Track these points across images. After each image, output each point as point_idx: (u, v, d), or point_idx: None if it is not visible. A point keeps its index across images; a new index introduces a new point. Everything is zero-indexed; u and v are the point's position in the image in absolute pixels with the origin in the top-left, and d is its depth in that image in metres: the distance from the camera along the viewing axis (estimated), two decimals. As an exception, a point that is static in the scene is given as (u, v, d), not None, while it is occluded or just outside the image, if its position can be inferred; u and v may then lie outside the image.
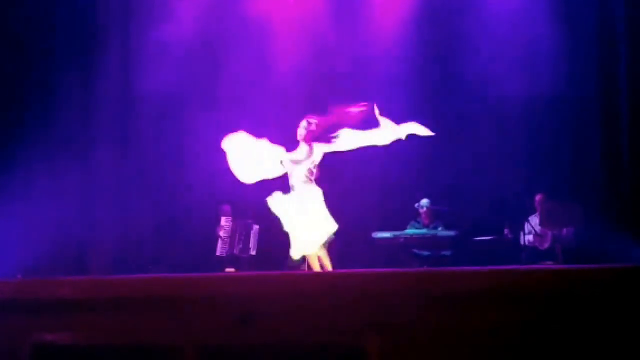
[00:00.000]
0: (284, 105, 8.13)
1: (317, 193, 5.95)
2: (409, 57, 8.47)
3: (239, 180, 6.15)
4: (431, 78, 8.48)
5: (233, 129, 6.12)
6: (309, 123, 6.01)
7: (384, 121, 6.04)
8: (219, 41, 8.68)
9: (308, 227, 5.85)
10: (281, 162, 5.98)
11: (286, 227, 5.92)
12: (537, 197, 7.74)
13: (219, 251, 8.18)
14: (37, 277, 5.82)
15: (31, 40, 8.03)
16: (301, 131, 6.02)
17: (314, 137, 5.98)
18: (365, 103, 5.99)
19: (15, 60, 7.91)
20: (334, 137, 5.91)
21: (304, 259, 6.31)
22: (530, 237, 7.76)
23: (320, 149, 5.95)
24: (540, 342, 3.12)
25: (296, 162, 5.93)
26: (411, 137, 8.42)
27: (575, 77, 8.13)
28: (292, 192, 5.94)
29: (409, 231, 7.90)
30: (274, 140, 6.10)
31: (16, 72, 7.90)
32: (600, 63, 8.05)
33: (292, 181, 5.96)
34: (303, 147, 5.98)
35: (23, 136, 7.74)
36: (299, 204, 5.88)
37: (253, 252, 8.17)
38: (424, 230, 7.92)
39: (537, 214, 7.76)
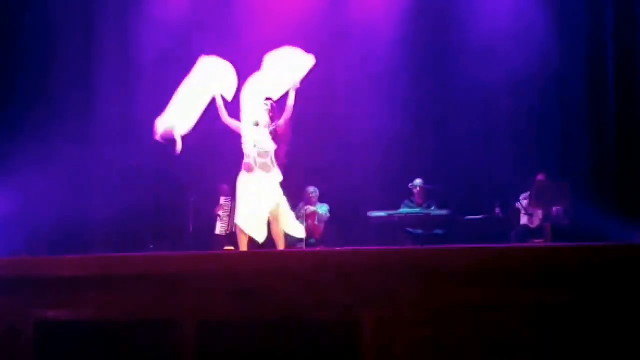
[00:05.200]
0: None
1: (275, 180, 5.68)
2: (400, 39, 8.54)
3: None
4: (423, 59, 8.54)
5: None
6: (273, 105, 5.78)
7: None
8: (215, 18, 8.69)
9: (257, 208, 5.58)
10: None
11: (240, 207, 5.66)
12: (539, 177, 7.78)
13: (218, 230, 8.25)
14: (39, 255, 5.86)
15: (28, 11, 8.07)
16: (264, 113, 5.74)
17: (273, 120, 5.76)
18: None
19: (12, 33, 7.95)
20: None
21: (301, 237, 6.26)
22: (521, 215, 7.87)
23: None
24: (532, 319, 3.16)
25: (264, 150, 5.64)
26: (405, 119, 8.54)
27: (563, 57, 8.23)
28: (253, 174, 5.64)
29: (403, 210, 7.99)
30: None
31: (13, 47, 7.94)
32: (588, 45, 8.12)
33: (252, 162, 5.64)
34: (268, 133, 5.70)
35: (20, 113, 7.78)
36: (259, 188, 5.60)
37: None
38: (417, 210, 8.01)
39: (528, 193, 7.85)
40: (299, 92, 7.46)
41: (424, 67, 8.55)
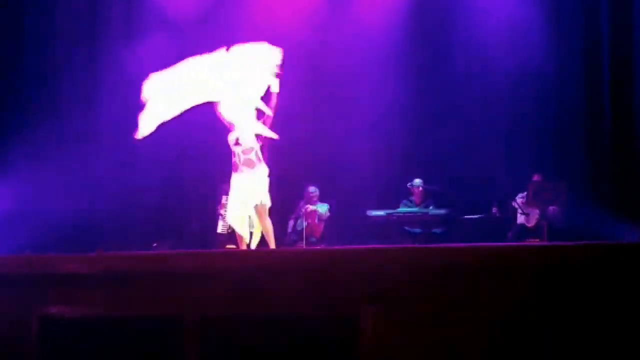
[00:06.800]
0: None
1: (262, 174, 5.73)
2: (400, 40, 8.59)
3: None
4: (421, 60, 8.60)
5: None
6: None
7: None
8: (218, 15, 8.73)
9: (242, 206, 5.68)
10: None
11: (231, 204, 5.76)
12: (535, 177, 7.83)
13: (219, 229, 8.28)
14: (44, 252, 5.90)
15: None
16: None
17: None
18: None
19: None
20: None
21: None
22: (518, 215, 7.93)
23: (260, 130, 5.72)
24: (531, 317, 3.21)
25: (247, 147, 5.69)
26: (404, 119, 8.58)
27: (560, 58, 8.27)
28: (239, 172, 5.72)
29: (402, 209, 8.06)
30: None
31: (19, 50, 7.99)
32: (584, 46, 8.17)
33: (237, 160, 5.72)
34: (249, 130, 5.74)
35: (28, 113, 7.83)
36: (244, 186, 5.68)
37: (253, 229, 8.25)
38: (415, 209, 8.08)
39: (525, 193, 7.91)
40: (299, 91, 7.52)
41: (422, 68, 8.60)
